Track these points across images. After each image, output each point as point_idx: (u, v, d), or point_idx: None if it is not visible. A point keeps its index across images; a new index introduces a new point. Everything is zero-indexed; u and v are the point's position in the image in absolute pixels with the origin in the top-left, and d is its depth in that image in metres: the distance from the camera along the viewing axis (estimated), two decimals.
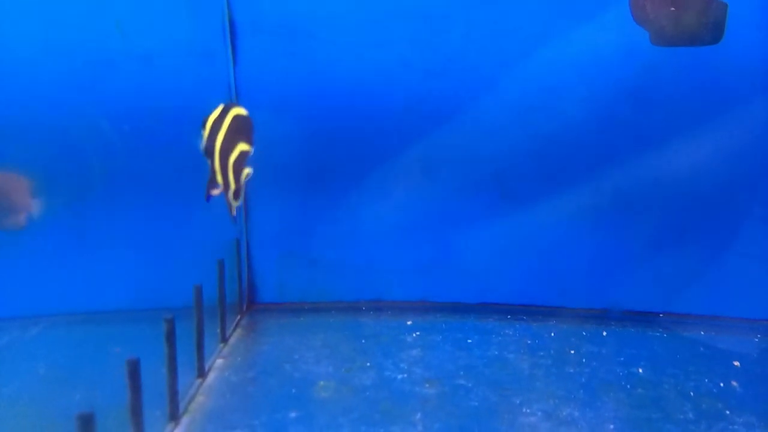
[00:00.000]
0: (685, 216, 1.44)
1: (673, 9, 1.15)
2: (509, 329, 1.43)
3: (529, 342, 1.36)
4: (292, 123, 1.47)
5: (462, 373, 1.21)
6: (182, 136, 1.42)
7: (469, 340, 1.37)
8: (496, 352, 1.31)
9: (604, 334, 1.38)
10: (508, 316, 1.49)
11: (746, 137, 1.39)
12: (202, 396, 1.13)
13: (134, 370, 0.88)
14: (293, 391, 1.14)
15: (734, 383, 1.15)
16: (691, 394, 1.11)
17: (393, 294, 1.56)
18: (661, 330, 1.40)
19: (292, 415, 1.06)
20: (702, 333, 1.37)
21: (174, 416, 1.02)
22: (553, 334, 1.38)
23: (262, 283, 1.54)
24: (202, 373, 1.18)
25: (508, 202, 1.50)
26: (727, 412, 1.05)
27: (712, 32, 1.21)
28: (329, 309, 1.52)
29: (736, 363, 1.23)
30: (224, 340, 1.33)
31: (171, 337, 1.01)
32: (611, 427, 1.01)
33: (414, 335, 1.39)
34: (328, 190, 1.51)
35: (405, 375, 1.20)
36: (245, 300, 1.52)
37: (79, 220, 1.44)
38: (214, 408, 1.09)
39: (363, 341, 1.35)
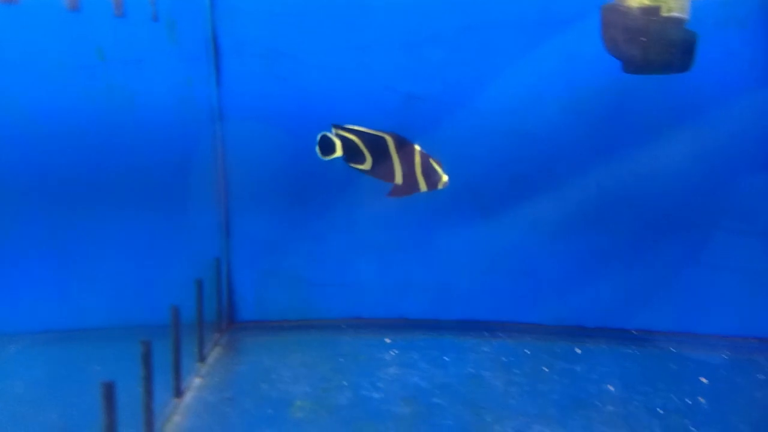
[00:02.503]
0: (656, 232, 1.48)
1: (643, 39, 1.18)
2: (486, 346, 1.45)
3: (504, 359, 1.38)
4: (274, 143, 1.49)
5: (437, 391, 1.23)
6: (167, 154, 1.45)
7: (446, 358, 1.39)
8: (472, 370, 1.33)
9: (578, 351, 1.40)
10: (485, 333, 1.51)
11: (715, 152, 1.43)
12: (178, 416, 1.14)
13: (109, 393, 0.90)
14: (269, 411, 1.15)
15: (701, 399, 1.18)
16: (660, 411, 1.14)
17: (372, 312, 1.58)
18: (633, 346, 1.43)
19: None
20: (672, 349, 1.40)
21: None
22: (528, 351, 1.41)
23: (242, 302, 1.55)
24: (178, 393, 1.18)
25: (487, 221, 1.53)
26: (693, 429, 1.07)
27: (683, 60, 1.24)
28: (309, 327, 1.54)
29: (704, 380, 1.26)
30: (202, 359, 1.34)
31: (147, 359, 1.02)
32: None
33: (392, 353, 1.40)
34: (309, 209, 1.53)
35: (381, 394, 1.22)
36: (225, 318, 1.53)
37: (56, 237, 1.45)
38: (190, 428, 1.10)
39: (341, 360, 1.36)
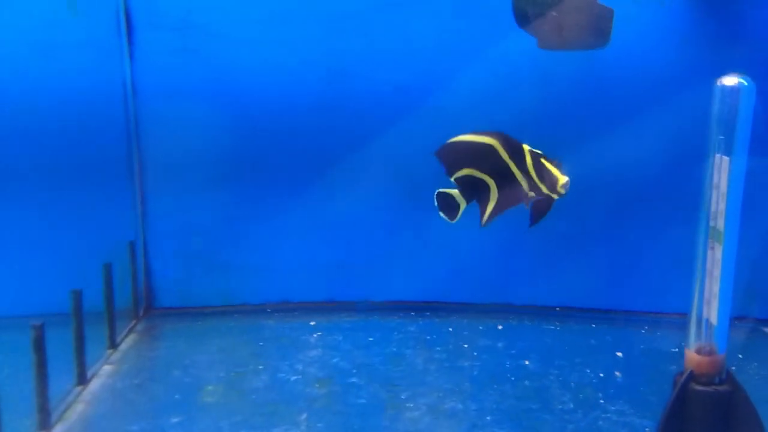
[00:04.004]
0: (581, 212, 1.49)
1: (554, 14, 1.17)
2: (412, 326, 1.44)
3: (428, 338, 1.37)
4: (191, 119, 1.44)
5: (355, 371, 1.21)
6: (73, 133, 1.38)
7: (371, 338, 1.37)
8: (395, 349, 1.32)
9: (500, 327, 1.41)
10: (412, 313, 1.50)
11: (656, 145, 1.44)
12: (81, 404, 1.08)
13: None
14: (177, 396, 1.11)
15: (617, 373, 1.20)
16: (572, 384, 1.14)
17: (299, 295, 1.54)
18: (556, 323, 1.44)
19: (174, 420, 1.03)
20: (593, 325, 1.42)
21: (44, 425, 0.98)
22: (451, 329, 1.40)
23: (162, 287, 1.50)
24: (83, 381, 1.13)
25: (413, 202, 1.50)
26: (602, 402, 1.08)
27: (597, 37, 1.24)
28: (232, 312, 1.50)
29: (619, 354, 1.27)
30: (113, 346, 1.28)
31: (39, 345, 0.97)
32: (488, 418, 1.03)
33: (315, 336, 1.38)
34: (230, 189, 1.49)
35: (299, 376, 1.19)
36: (142, 304, 1.47)
37: None
38: (93, 415, 1.05)
39: (261, 344, 1.33)
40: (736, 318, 1.43)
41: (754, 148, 0.87)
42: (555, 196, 0.92)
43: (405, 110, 1.45)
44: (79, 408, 1.07)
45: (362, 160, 1.48)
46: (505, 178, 0.94)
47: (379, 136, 1.48)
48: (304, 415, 1.05)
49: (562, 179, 0.90)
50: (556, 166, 0.92)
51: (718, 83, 0.82)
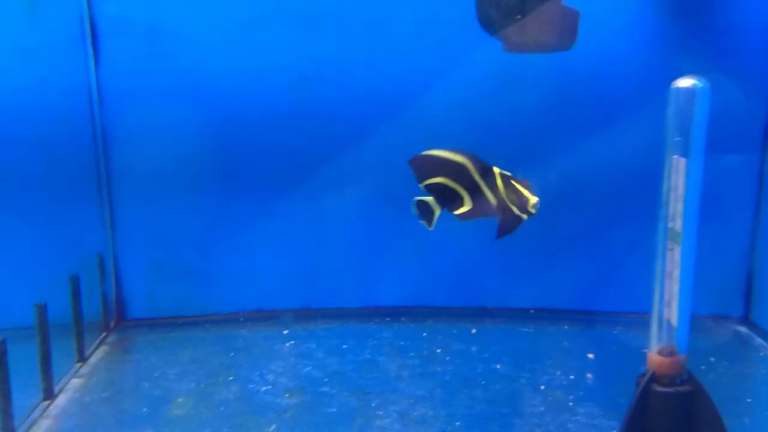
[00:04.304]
0: (555, 218, 1.48)
1: (519, 17, 1.17)
2: (387, 332, 1.43)
3: (402, 343, 1.36)
4: (160, 126, 1.42)
5: (327, 380, 1.20)
6: (40, 142, 1.36)
7: (345, 346, 1.36)
8: (368, 356, 1.31)
9: (474, 331, 1.40)
10: (388, 319, 1.50)
11: (625, 151, 1.45)
12: (47, 419, 1.07)
13: None
14: (146, 409, 1.09)
15: (589, 375, 1.20)
16: (542, 387, 1.14)
17: (273, 304, 1.53)
18: (531, 326, 1.44)
19: None
20: (566, 327, 1.42)
21: None
22: (425, 335, 1.40)
23: (133, 298, 1.48)
24: (49, 395, 1.11)
25: (387, 208, 1.50)
26: (572, 404, 1.08)
27: (563, 39, 1.24)
28: (205, 322, 1.48)
29: (590, 355, 1.28)
30: (82, 359, 1.27)
31: (1, 360, 0.95)
32: (458, 424, 1.02)
33: (288, 344, 1.37)
34: (201, 197, 1.47)
35: (269, 387, 1.18)
36: (113, 316, 1.46)
37: None
38: (58, 430, 1.04)
39: (232, 354, 1.32)
40: (710, 317, 1.46)
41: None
42: (525, 216, 0.95)
43: (377, 115, 1.45)
44: (45, 423, 1.06)
45: (334, 166, 1.47)
46: (475, 197, 0.98)
47: (351, 142, 1.47)
48: (273, 426, 1.04)
49: (533, 200, 0.94)
50: (526, 186, 0.96)
51: (674, 85, 0.83)
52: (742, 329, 1.41)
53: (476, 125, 1.45)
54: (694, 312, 1.43)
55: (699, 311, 1.43)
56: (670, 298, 0.85)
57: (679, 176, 0.83)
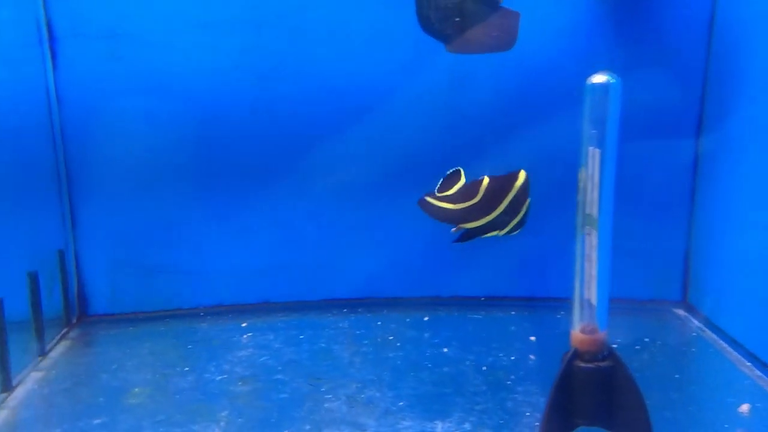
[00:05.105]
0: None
1: (458, 19, 1.21)
2: (344, 322, 1.48)
3: (357, 332, 1.41)
4: (120, 126, 1.45)
5: (281, 368, 1.25)
6: None
7: (302, 336, 1.41)
8: (324, 345, 1.36)
9: (426, 319, 1.46)
10: (345, 310, 1.54)
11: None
12: (4, 410, 1.10)
13: None
14: (102, 399, 1.13)
15: (531, 357, 1.26)
16: (484, 368, 1.20)
17: (232, 298, 1.57)
18: (482, 312, 1.50)
19: (96, 421, 1.06)
20: (513, 313, 1.48)
21: None
22: (380, 323, 1.45)
23: (94, 294, 1.51)
24: (7, 388, 1.15)
25: (344, 202, 1.55)
26: (511, 383, 1.14)
27: (503, 41, 1.28)
28: (165, 317, 1.52)
29: (533, 338, 1.34)
30: (43, 353, 1.30)
31: None
32: (401, 404, 1.08)
33: (246, 336, 1.41)
34: (161, 195, 1.50)
35: (225, 376, 1.22)
36: (75, 312, 1.49)
37: None
38: (16, 421, 1.07)
39: (190, 347, 1.36)
40: (649, 301, 1.53)
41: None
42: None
43: (337, 112, 1.49)
44: (2, 414, 1.09)
45: (292, 162, 1.52)
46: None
47: (308, 139, 1.52)
48: (225, 412, 1.09)
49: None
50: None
51: (589, 81, 0.89)
52: (680, 312, 1.49)
53: (429, 122, 1.50)
54: (634, 296, 1.54)
55: (639, 295, 1.54)
56: (590, 280, 0.91)
57: (595, 166, 0.89)
